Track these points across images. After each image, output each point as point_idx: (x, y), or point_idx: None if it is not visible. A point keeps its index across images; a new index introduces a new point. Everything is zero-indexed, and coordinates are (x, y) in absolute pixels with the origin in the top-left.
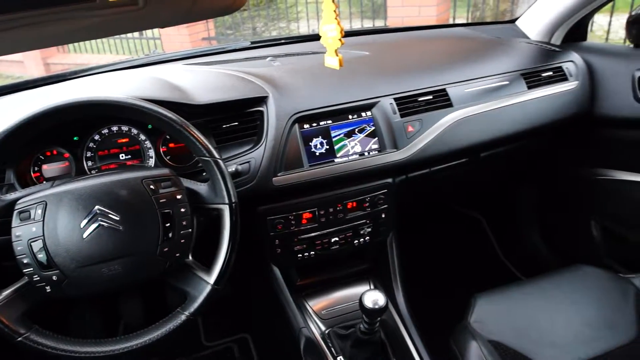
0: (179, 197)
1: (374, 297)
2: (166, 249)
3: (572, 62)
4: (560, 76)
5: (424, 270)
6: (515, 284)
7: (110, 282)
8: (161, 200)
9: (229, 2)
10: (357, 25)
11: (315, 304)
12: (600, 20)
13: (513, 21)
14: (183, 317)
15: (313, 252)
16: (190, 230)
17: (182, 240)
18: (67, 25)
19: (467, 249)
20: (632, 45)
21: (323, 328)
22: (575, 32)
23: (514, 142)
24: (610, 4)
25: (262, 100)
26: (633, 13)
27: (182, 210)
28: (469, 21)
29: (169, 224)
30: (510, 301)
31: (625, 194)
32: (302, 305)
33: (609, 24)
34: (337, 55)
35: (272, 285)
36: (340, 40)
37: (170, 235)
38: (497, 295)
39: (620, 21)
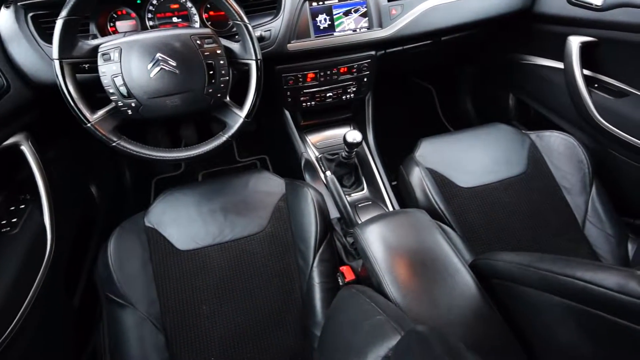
0: (218, 51)
1: (353, 135)
2: (210, 90)
3: None
4: None
5: (389, 121)
6: (448, 133)
7: (173, 109)
8: (206, 53)
9: None
10: None
11: (313, 138)
12: None
13: None
14: (224, 139)
15: (313, 102)
16: (227, 78)
17: (221, 85)
18: None
19: (420, 109)
20: None
21: (317, 153)
22: None
23: (470, 29)
24: None
25: None
26: None
27: (221, 62)
28: None
29: (212, 72)
30: (443, 144)
31: (539, 75)
32: (303, 138)
33: None
34: None
35: (284, 123)
36: None
37: (213, 80)
38: (435, 139)
39: None
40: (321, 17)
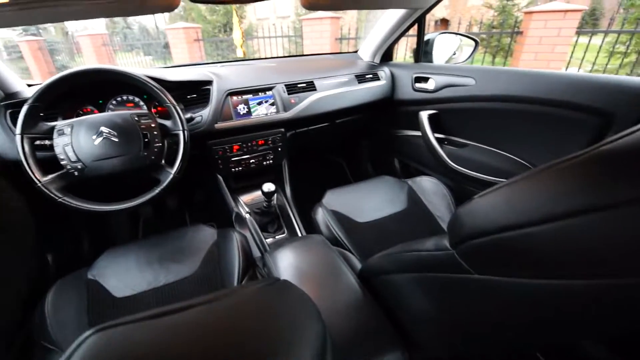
0: (153, 125)
1: (268, 186)
2: (145, 153)
3: (383, 71)
4: (377, 78)
5: (308, 182)
6: (348, 185)
7: (112, 169)
8: (142, 127)
9: (168, 3)
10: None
11: (243, 197)
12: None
13: (356, 51)
14: (156, 191)
15: (240, 168)
16: (160, 144)
17: (155, 150)
18: (63, 7)
19: (333, 174)
20: (413, 61)
21: (247, 209)
22: (387, 55)
23: (354, 114)
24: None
25: (209, 82)
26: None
27: (155, 133)
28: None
29: (147, 140)
30: (344, 192)
31: (409, 141)
32: (235, 198)
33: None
34: (242, 49)
35: (219, 186)
36: (242, 38)
37: (147, 146)
38: (338, 189)
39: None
40: (240, 106)
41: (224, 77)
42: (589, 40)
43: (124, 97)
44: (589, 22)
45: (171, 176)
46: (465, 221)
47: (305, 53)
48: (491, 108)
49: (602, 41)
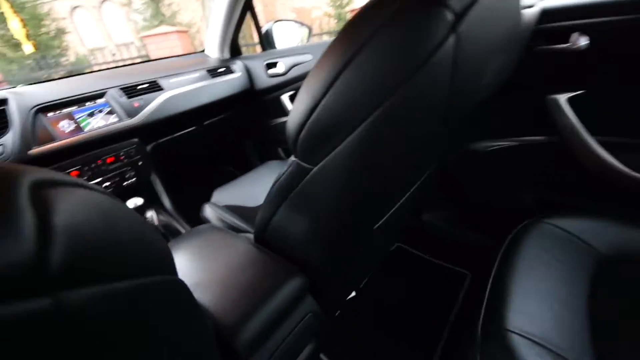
0: None
1: (134, 201)
2: None
3: (236, 64)
4: (230, 71)
5: (194, 196)
6: (235, 179)
7: None
8: None
9: None
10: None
11: None
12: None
13: (203, 51)
14: None
15: None
16: None
17: None
18: None
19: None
20: (261, 50)
21: None
22: (235, 50)
23: (219, 111)
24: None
25: (2, 101)
26: (262, 30)
27: None
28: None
29: None
30: (233, 186)
31: (279, 127)
32: None
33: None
34: (29, 42)
35: None
36: (24, 28)
37: None
38: (226, 186)
39: None
40: (63, 122)
41: (27, 93)
42: None
43: None
44: None
45: None
46: (289, 126)
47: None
48: None
49: None
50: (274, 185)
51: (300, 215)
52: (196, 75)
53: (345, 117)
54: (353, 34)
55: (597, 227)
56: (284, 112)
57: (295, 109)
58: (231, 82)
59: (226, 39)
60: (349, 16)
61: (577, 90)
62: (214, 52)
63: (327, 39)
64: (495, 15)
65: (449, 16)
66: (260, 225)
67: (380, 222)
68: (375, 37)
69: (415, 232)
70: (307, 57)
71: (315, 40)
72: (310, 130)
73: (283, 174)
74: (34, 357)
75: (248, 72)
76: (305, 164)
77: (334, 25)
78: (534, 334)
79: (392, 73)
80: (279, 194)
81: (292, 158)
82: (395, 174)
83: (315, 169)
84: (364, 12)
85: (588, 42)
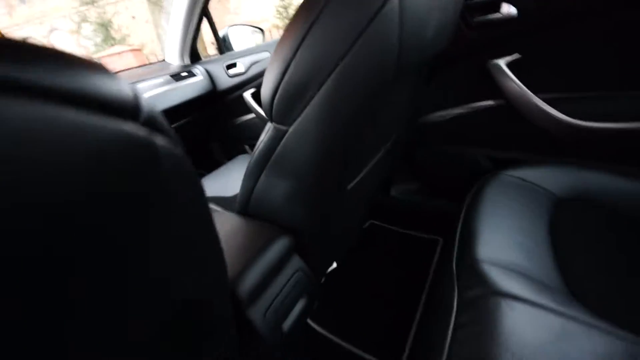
0: None
1: None
2: None
3: (197, 69)
4: (193, 75)
5: None
6: (206, 175)
7: None
8: None
9: None
10: None
11: None
12: None
13: (163, 60)
14: None
15: None
16: None
17: None
18: None
19: None
20: (219, 53)
21: None
22: (195, 55)
23: (185, 114)
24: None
25: None
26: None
27: None
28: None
29: None
30: (206, 180)
31: (251, 124)
32: None
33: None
34: None
35: None
36: None
37: None
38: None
39: None
40: None
41: None
42: None
43: None
44: None
45: None
46: (264, 93)
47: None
48: None
49: None
50: (252, 157)
51: (280, 179)
52: (160, 80)
53: (313, 74)
54: (311, 3)
55: (549, 174)
56: (248, 110)
57: (267, 78)
58: (194, 84)
59: (185, 46)
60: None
61: (514, 55)
62: (174, 59)
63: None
64: None
65: None
66: (244, 197)
67: (354, 182)
68: (330, 2)
69: (386, 208)
70: (265, 55)
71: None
72: (284, 90)
73: (261, 142)
74: (126, 173)
75: (209, 75)
76: (281, 126)
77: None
78: (502, 260)
79: (348, 29)
80: (259, 163)
81: (268, 124)
82: (362, 131)
83: (291, 129)
84: None
85: (516, 11)
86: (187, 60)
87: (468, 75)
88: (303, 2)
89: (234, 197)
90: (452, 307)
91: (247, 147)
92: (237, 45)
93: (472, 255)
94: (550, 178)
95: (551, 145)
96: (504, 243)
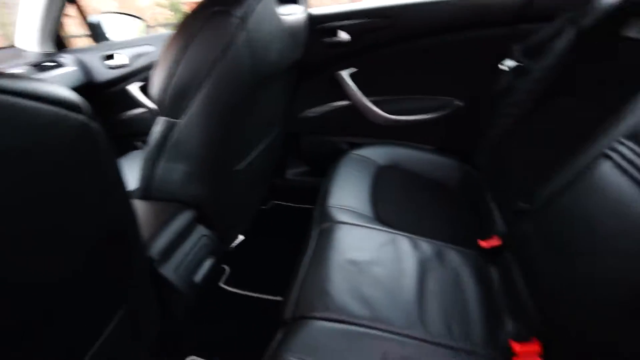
0: None
1: None
2: None
3: (65, 58)
4: (60, 65)
5: None
6: None
7: None
8: None
9: None
10: None
11: None
12: None
13: (13, 46)
14: None
15: None
16: None
17: None
18: None
19: None
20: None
21: None
22: (60, 43)
23: None
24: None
25: None
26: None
27: None
28: None
29: None
30: None
31: (140, 119)
32: None
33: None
34: None
35: None
36: None
37: None
38: None
39: None
40: None
41: None
42: None
43: None
44: None
45: None
46: (155, 92)
47: None
48: None
49: None
50: (148, 147)
51: (177, 164)
52: (19, 70)
53: (193, 78)
54: (186, 30)
55: (376, 151)
56: (134, 104)
57: (157, 81)
58: (64, 76)
59: (46, 31)
60: (184, 7)
61: (353, 68)
62: (31, 45)
63: (165, 31)
64: (267, 19)
65: (236, 20)
66: (144, 183)
67: (243, 164)
68: (200, 32)
69: (284, 189)
70: (150, 49)
71: (151, 32)
72: (174, 88)
73: (155, 134)
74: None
75: (83, 66)
76: (173, 119)
77: (170, 17)
78: (342, 204)
79: (211, 54)
80: (156, 151)
81: (159, 118)
82: (243, 120)
83: (182, 121)
84: (192, 14)
85: (349, 36)
86: (51, 48)
87: (327, 82)
88: (181, 26)
89: (134, 191)
90: (314, 238)
91: (139, 143)
92: (112, 34)
93: (324, 204)
94: (377, 153)
95: (379, 132)
96: (344, 194)
